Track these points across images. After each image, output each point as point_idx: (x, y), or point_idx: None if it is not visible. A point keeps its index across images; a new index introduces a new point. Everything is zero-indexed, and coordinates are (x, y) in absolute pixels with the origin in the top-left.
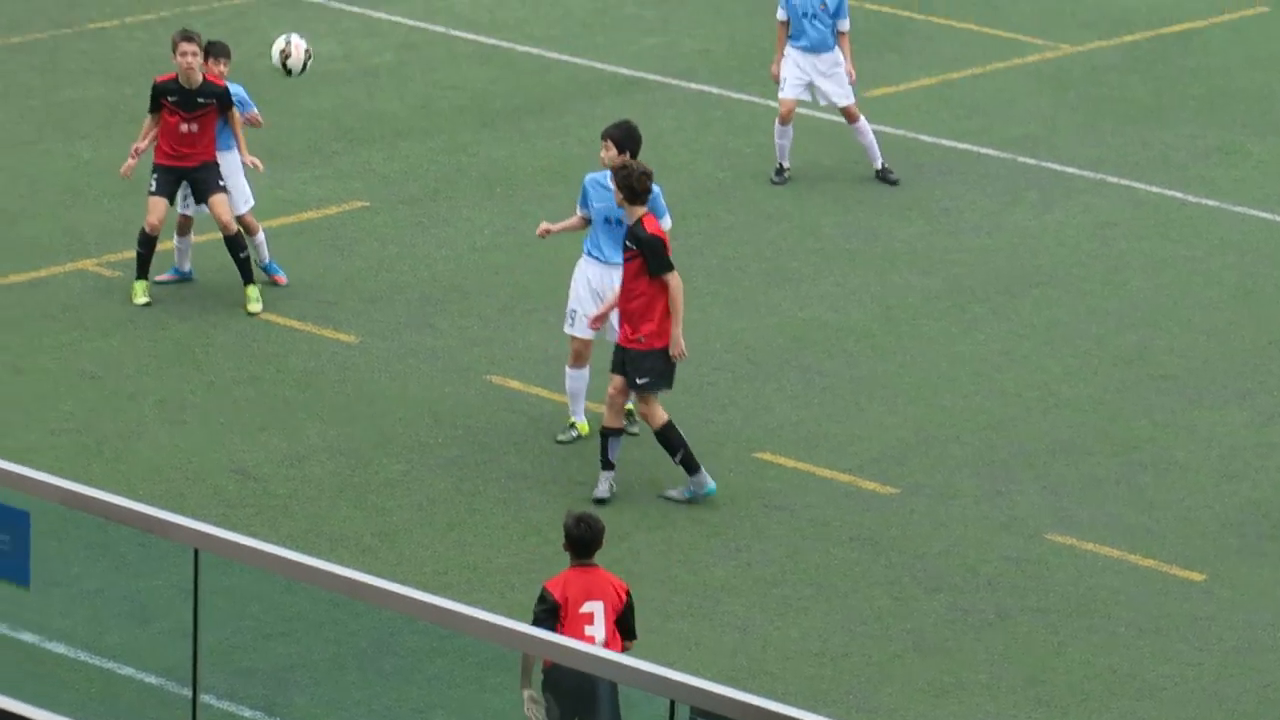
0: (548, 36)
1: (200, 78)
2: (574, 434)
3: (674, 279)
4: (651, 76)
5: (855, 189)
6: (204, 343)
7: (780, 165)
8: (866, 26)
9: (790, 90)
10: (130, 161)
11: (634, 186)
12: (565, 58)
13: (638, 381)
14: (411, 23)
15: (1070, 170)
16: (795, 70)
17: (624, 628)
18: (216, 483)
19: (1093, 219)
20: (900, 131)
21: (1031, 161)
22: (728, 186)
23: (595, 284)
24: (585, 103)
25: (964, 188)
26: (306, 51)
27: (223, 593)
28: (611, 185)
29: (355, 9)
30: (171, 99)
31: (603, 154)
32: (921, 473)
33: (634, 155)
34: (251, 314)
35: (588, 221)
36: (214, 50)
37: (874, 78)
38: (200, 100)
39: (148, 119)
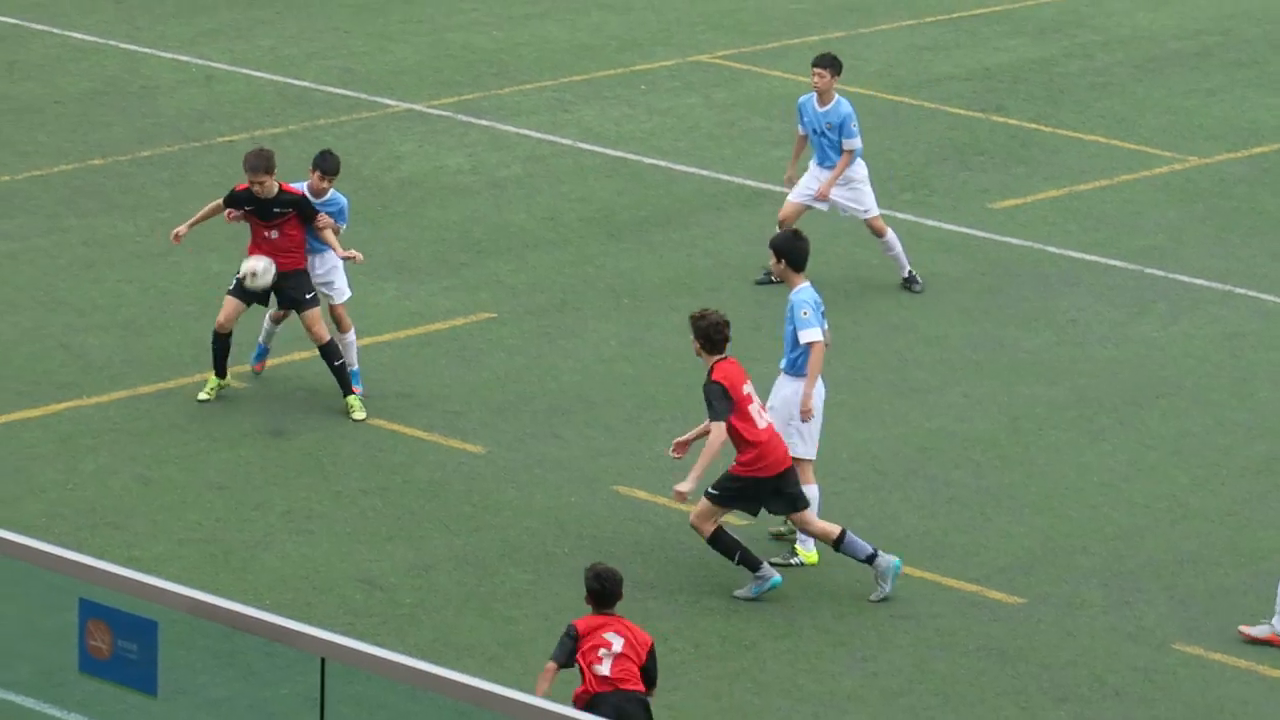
0: (674, 149)
1: (274, 189)
2: (796, 560)
3: (717, 428)
4: (777, 188)
5: (981, 299)
6: (331, 453)
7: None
8: (993, 139)
9: (795, 195)
10: (180, 230)
11: (711, 336)
12: (691, 170)
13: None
14: (539, 135)
15: (1198, 282)
16: (808, 179)
17: (647, 678)
18: (343, 592)
19: (1220, 330)
20: (1027, 243)
21: (1159, 273)
22: (854, 297)
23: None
24: (711, 215)
25: (1091, 299)
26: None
27: (349, 702)
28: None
29: (483, 122)
30: (248, 208)
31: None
32: (1048, 583)
33: (797, 267)
34: (356, 421)
35: None
36: (322, 164)
37: (1001, 189)
38: (276, 210)
39: (216, 203)
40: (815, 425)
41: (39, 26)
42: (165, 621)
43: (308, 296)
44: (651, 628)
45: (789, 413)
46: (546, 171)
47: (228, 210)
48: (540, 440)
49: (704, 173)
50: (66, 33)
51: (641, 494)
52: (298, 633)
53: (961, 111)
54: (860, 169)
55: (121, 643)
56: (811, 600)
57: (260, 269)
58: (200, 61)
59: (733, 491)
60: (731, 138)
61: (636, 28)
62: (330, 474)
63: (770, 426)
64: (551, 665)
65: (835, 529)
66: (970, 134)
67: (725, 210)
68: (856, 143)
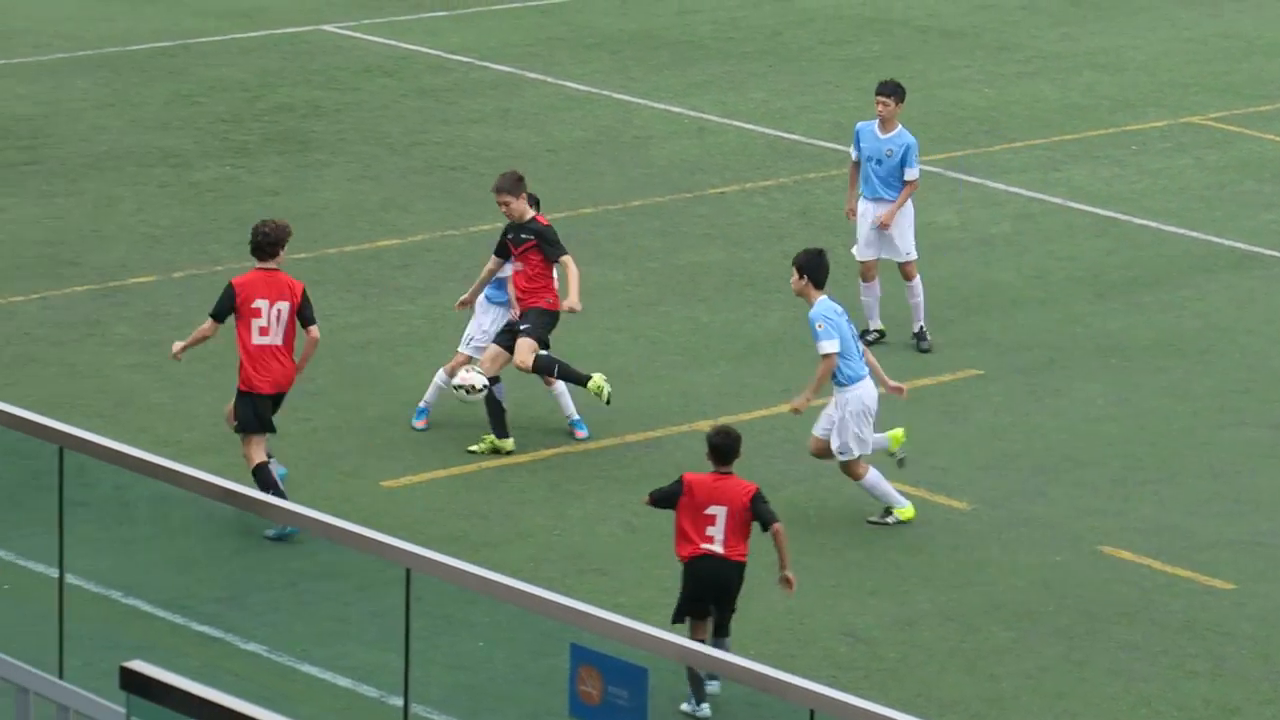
0: (1164, 210)
1: (523, 213)
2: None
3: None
4: (1269, 252)
5: None
6: (818, 505)
7: (867, 327)
8: None
9: (861, 252)
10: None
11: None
12: (1181, 231)
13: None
14: (1029, 194)
15: None
16: (864, 226)
17: (762, 521)
18: (827, 644)
19: None
20: None
21: None
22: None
23: None
24: (1201, 277)
25: None
26: (470, 388)
27: None
28: None
29: (973, 179)
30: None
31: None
32: None
33: (818, 282)
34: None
35: None
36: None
37: None
38: (523, 236)
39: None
40: (867, 430)
41: (534, 75)
42: (655, 669)
43: (522, 327)
44: (1135, 690)
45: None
46: (1035, 230)
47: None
48: (1026, 498)
49: (1194, 234)
50: (561, 82)
51: (1127, 555)
52: (785, 683)
53: None
54: (909, 208)
55: (612, 689)
56: None
57: (478, 385)
58: (692, 113)
59: None
60: (1222, 200)
61: (1129, 88)
62: (816, 526)
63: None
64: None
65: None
66: None
67: (1215, 272)
68: (916, 172)
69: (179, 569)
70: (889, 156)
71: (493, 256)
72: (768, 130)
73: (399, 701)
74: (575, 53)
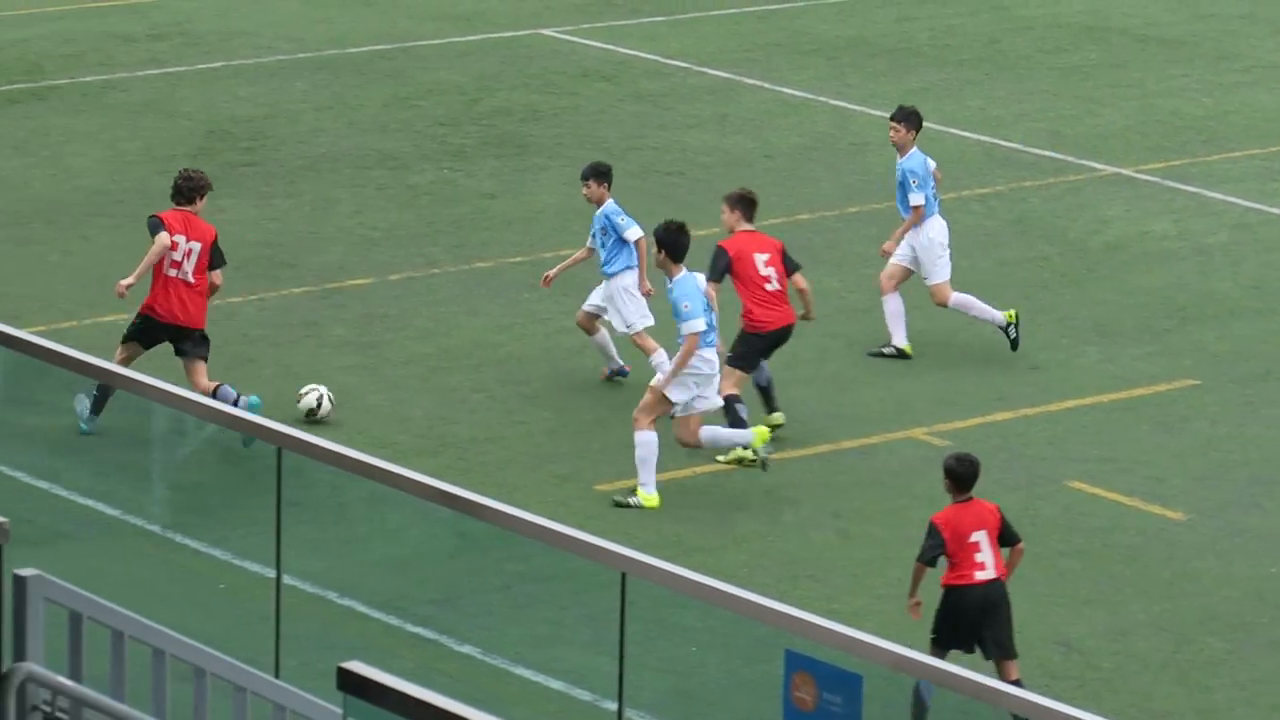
0: None
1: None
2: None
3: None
4: None
5: None
6: (1030, 514)
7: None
8: None
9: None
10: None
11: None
12: None
13: None
14: (1247, 204)
15: None
16: (904, 246)
17: (1008, 539)
18: (1041, 654)
19: None
20: None
21: None
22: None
23: None
24: None
25: None
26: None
27: None
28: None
29: (1190, 188)
30: None
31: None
32: None
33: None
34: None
35: None
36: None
37: None
38: None
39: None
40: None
41: (751, 81)
42: (868, 676)
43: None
44: None
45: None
46: (1253, 240)
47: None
48: (1242, 509)
49: None
50: (778, 88)
51: None
52: (999, 692)
53: None
54: (938, 230)
55: (826, 695)
56: None
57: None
58: None
59: None
60: None
61: None
62: (1030, 535)
63: None
64: (919, 566)
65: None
66: None
67: None
68: (916, 198)
69: (394, 571)
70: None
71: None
72: (984, 138)
73: (613, 706)
74: (792, 58)
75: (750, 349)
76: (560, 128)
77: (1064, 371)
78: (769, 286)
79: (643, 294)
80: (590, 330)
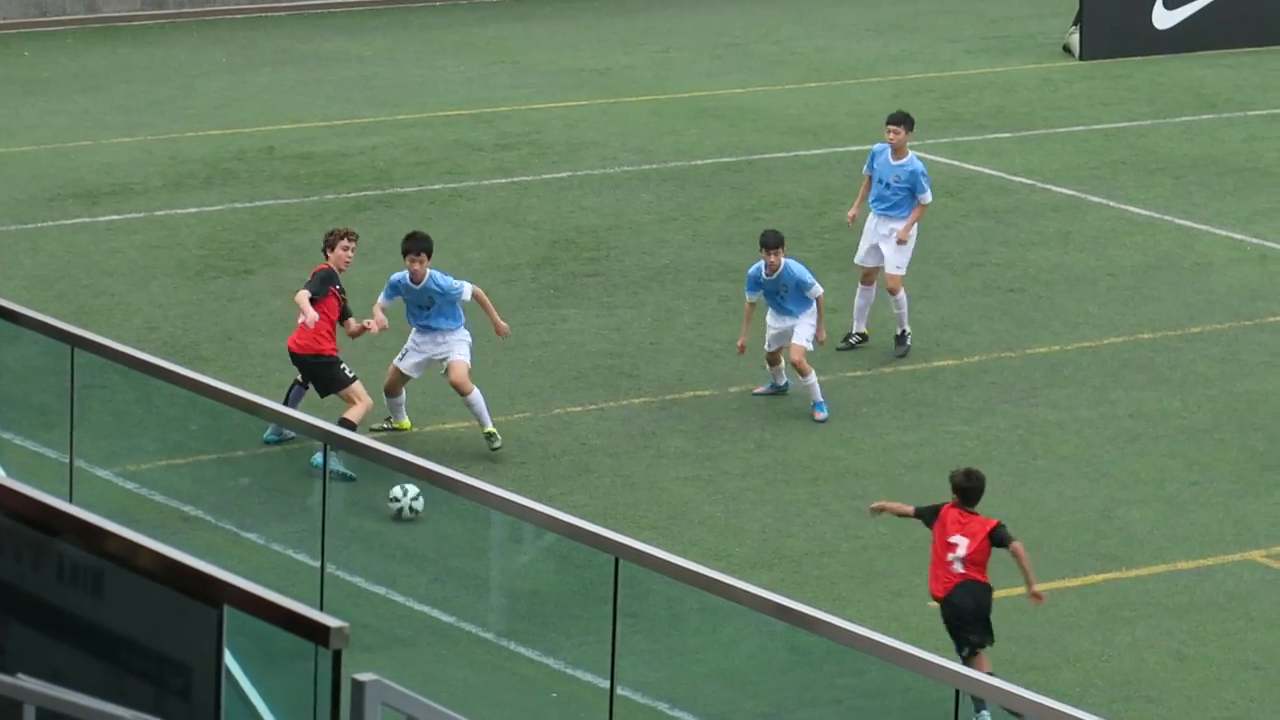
0: None
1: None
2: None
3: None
4: None
5: None
6: None
7: (851, 330)
8: None
9: (862, 260)
10: None
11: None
12: None
13: None
14: None
15: None
16: (867, 234)
17: (999, 541)
18: None
19: None
20: None
21: None
22: None
23: None
24: None
25: None
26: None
27: None
28: None
29: None
30: None
31: None
32: None
33: None
34: None
35: None
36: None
37: None
38: None
39: None
40: None
41: (1096, 199)
42: None
43: None
44: None
45: None
46: None
47: None
48: None
49: None
50: (1123, 206)
51: None
52: None
53: None
54: (914, 232)
55: None
56: None
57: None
58: (1255, 240)
59: None
60: None
61: None
62: None
63: None
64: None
65: None
66: None
67: None
68: (929, 196)
69: (726, 683)
70: (896, 181)
71: None
72: None
73: None
74: (1138, 177)
75: None
76: None
77: None
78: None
79: None
80: None
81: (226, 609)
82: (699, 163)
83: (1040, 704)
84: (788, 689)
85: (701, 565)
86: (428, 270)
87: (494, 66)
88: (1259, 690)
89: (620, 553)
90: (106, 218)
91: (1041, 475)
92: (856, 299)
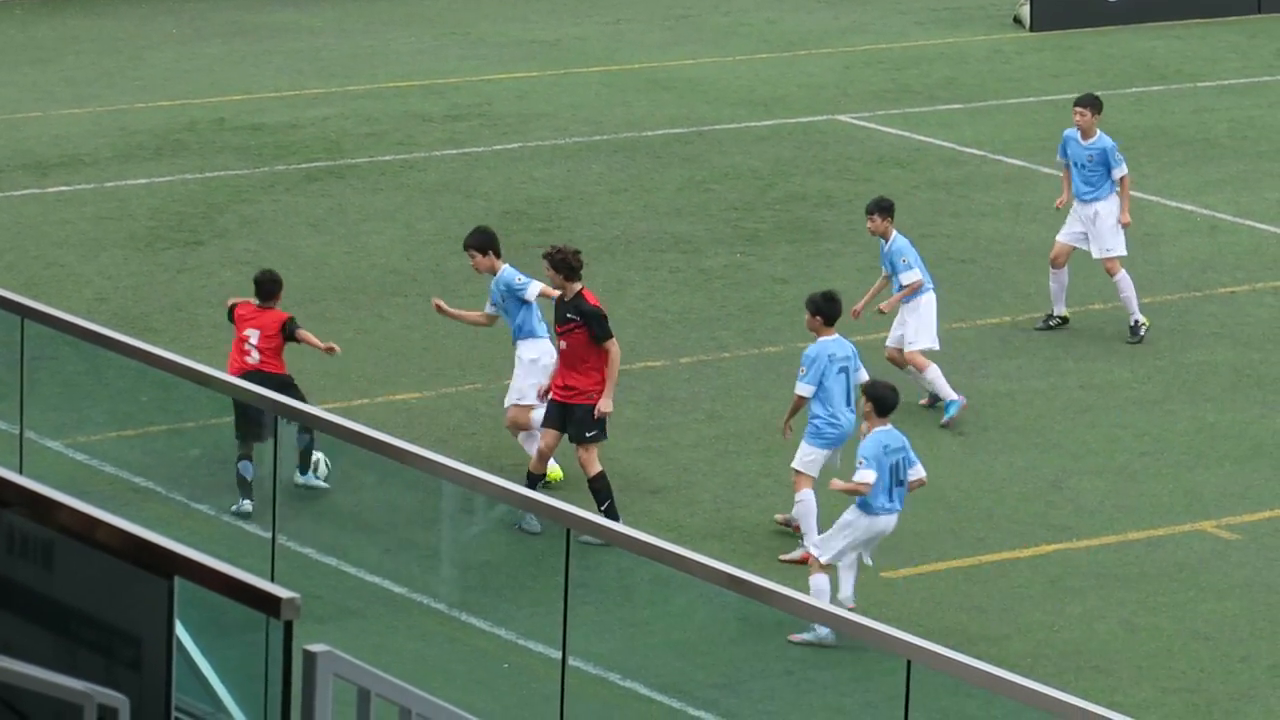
0: None
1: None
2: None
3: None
4: None
5: None
6: None
7: (1051, 312)
8: None
9: (1063, 236)
10: None
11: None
12: None
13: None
14: None
15: None
16: (1073, 220)
17: None
18: None
19: None
20: None
21: None
22: None
23: None
24: None
25: None
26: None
27: None
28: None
29: None
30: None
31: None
32: None
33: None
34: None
35: None
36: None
37: None
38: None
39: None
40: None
41: (1047, 170)
42: None
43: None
44: None
45: None
46: None
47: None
48: None
49: None
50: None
51: None
52: None
53: None
54: (1114, 205)
55: None
56: None
57: None
58: (1205, 211)
59: None
60: None
61: None
62: None
63: None
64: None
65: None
66: None
67: None
68: (1124, 169)
69: (678, 653)
70: (1090, 161)
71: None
72: None
73: None
74: None
75: None
76: (854, 214)
77: None
78: None
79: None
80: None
81: (177, 580)
82: (650, 134)
83: (991, 674)
84: (739, 659)
85: (653, 536)
86: (494, 266)
87: (445, 38)
88: (1209, 660)
89: (572, 524)
90: (56, 189)
91: (992, 446)
92: (1050, 283)
